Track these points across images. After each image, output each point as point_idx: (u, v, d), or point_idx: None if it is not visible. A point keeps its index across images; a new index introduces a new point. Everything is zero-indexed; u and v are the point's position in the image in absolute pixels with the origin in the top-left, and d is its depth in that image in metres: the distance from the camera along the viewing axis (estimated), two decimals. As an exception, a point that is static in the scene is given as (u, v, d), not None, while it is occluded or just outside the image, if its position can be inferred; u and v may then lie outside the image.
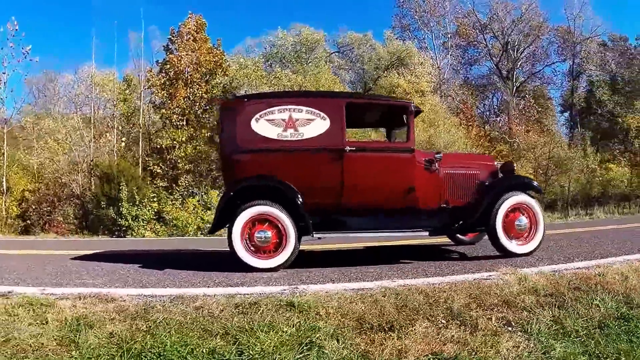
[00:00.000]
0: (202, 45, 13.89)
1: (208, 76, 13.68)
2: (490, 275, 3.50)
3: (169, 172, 12.43)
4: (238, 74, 13.56)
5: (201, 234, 11.68)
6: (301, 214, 4.09)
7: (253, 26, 54.46)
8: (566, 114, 31.89)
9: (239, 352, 2.09)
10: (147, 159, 12.63)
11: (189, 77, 13.17)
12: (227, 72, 14.30)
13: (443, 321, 2.49)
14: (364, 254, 5.65)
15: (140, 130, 13.19)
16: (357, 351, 2.13)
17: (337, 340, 2.21)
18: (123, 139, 13.27)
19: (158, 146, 12.52)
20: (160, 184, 12.20)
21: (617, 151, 22.97)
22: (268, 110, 4.29)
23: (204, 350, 2.07)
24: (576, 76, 30.29)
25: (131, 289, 3.36)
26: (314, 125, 4.31)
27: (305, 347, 2.12)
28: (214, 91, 13.61)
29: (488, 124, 26.53)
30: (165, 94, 13.08)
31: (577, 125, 28.85)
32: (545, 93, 31.31)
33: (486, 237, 4.76)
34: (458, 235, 5.46)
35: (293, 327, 2.34)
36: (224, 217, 4.23)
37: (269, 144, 4.26)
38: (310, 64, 15.19)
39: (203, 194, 12.55)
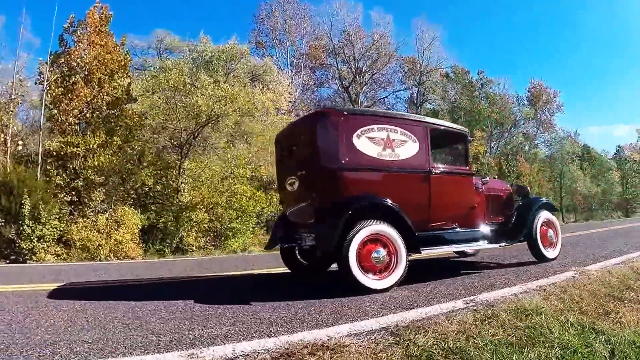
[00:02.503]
0: (107, 41, 12.06)
1: (109, 77, 11.83)
2: (577, 273, 4.46)
3: (70, 183, 10.25)
4: (160, 78, 12.14)
5: (116, 258, 10.05)
6: (412, 232, 4.21)
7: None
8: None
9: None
10: (48, 167, 10.19)
11: (89, 75, 11.22)
12: (128, 74, 12.66)
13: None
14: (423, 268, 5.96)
15: (41, 129, 10.54)
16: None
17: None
18: (20, 141, 10.39)
19: (55, 152, 10.22)
20: (65, 198, 9.97)
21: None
22: (368, 127, 4.33)
23: None
24: (420, 104, 34.48)
25: (315, 330, 2.88)
26: (407, 147, 4.53)
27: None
28: (117, 93, 11.85)
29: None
30: (60, 92, 10.80)
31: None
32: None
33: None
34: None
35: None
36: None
37: (371, 162, 4.29)
38: (231, 75, 14.47)
39: (112, 210, 10.80)
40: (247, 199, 13.53)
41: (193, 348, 2.44)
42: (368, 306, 3.46)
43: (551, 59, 59.90)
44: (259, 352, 2.37)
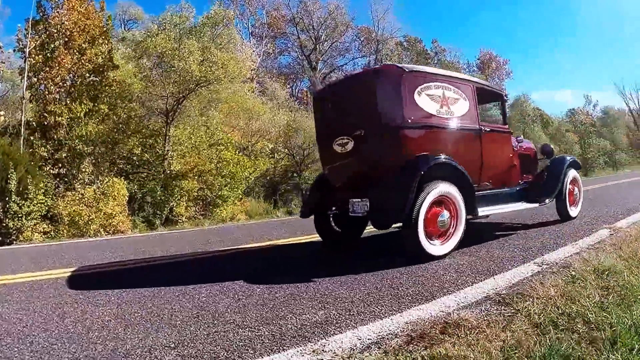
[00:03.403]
0: (87, 6, 11.02)
1: (90, 43, 10.77)
2: (611, 230, 4.52)
3: (54, 154, 9.35)
4: (148, 43, 11.07)
5: (107, 233, 9.41)
6: (473, 193, 4.00)
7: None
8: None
9: None
10: (31, 139, 9.18)
11: (70, 41, 10.15)
12: (110, 40, 11.56)
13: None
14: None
15: (23, 99, 9.38)
16: None
17: None
18: (1, 112, 9.23)
19: (37, 122, 9.24)
20: (51, 170, 9.09)
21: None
22: (426, 84, 4.02)
23: None
24: None
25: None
26: (459, 105, 4.28)
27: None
28: (98, 60, 10.80)
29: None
30: (40, 60, 9.69)
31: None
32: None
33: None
34: None
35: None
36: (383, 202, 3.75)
37: (431, 120, 4.00)
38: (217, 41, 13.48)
39: (99, 182, 10.02)
40: (235, 165, 13.07)
41: (308, 341, 2.13)
42: (446, 274, 3.28)
43: (500, 29, 60.38)
44: (385, 337, 2.10)
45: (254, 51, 24.71)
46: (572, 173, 5.54)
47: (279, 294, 3.07)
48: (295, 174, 18.67)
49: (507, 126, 5.05)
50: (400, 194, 3.63)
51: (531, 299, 2.45)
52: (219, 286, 3.43)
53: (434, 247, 3.78)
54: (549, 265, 3.28)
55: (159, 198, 11.32)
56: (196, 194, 12.42)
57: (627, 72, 74.84)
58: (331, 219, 4.93)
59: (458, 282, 3.04)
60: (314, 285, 3.25)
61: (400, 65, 3.95)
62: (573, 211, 5.55)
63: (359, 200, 4.08)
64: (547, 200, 5.12)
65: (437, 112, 4.05)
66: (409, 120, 3.85)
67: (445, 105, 4.12)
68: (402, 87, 3.84)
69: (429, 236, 3.76)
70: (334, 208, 4.58)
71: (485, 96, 4.87)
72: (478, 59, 39.29)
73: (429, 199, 3.69)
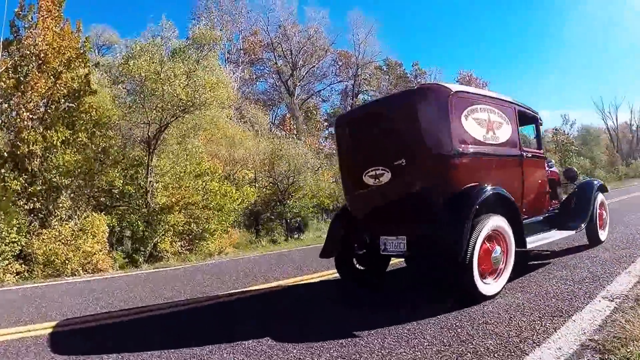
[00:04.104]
0: (62, 27, 10.35)
1: (66, 66, 10.08)
2: None
3: (27, 188, 8.48)
4: (131, 66, 10.49)
5: (86, 272, 8.53)
6: (521, 226, 3.65)
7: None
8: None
9: None
10: (2, 170, 8.29)
11: (44, 64, 9.47)
12: (87, 63, 10.91)
13: None
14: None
15: None
16: None
17: None
18: None
19: (7, 152, 8.40)
20: (25, 206, 8.21)
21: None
22: (473, 107, 3.67)
23: None
24: (354, 96, 35.41)
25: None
26: (503, 129, 3.99)
27: None
28: (74, 84, 10.12)
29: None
30: (12, 84, 8.95)
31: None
32: (320, 110, 36.46)
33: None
34: None
35: None
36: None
37: (479, 147, 3.65)
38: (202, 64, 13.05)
39: (77, 217, 9.17)
40: (222, 196, 12.42)
41: None
42: (514, 319, 2.90)
43: (481, 51, 63.03)
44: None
45: (230, 77, 24.55)
46: (600, 197, 5.33)
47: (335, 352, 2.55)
48: (279, 203, 18.12)
49: (542, 151, 4.82)
50: (453, 230, 3.20)
51: (632, 342, 2.22)
52: (242, 347, 2.83)
53: (488, 286, 3.38)
54: (620, 300, 3.06)
55: (141, 233, 10.50)
56: (182, 228, 11.65)
57: (607, 91, 78.44)
58: (354, 258, 4.46)
59: (536, 328, 2.67)
60: (365, 343, 2.72)
61: (446, 84, 3.60)
62: (602, 235, 5.33)
63: (394, 237, 3.63)
64: (582, 226, 4.84)
65: (483, 138, 3.71)
66: (459, 148, 3.46)
67: (491, 129, 3.79)
68: (449, 109, 3.46)
69: (482, 275, 3.33)
70: (356, 245, 4.08)
71: (523, 119, 4.53)
72: (457, 81, 39.84)
73: (483, 235, 3.29)
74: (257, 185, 17.01)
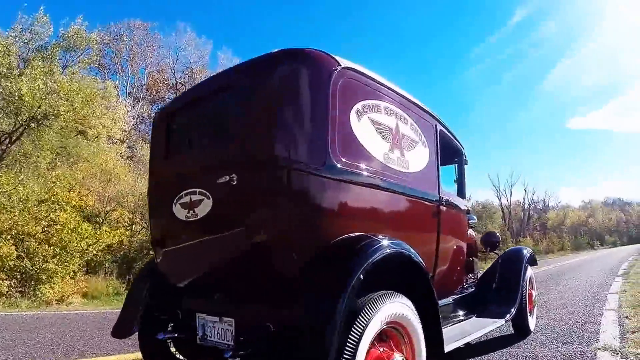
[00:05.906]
0: None
1: None
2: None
3: None
4: None
5: None
6: (437, 313, 2.10)
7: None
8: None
9: None
10: None
11: None
12: None
13: None
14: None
15: None
16: None
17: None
18: None
19: None
20: None
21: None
22: (373, 103, 2.17)
23: None
24: None
25: None
26: (417, 152, 2.52)
27: None
28: None
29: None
30: None
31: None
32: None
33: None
34: None
35: None
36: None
37: (377, 169, 2.13)
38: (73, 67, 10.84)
39: None
40: (70, 232, 9.82)
41: None
42: None
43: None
44: None
45: (128, 111, 23.03)
46: (529, 272, 4.00)
47: None
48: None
49: (465, 200, 3.43)
50: (313, 320, 1.61)
51: None
52: None
53: None
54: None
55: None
56: (12, 263, 9.17)
57: (504, 170, 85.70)
58: (170, 344, 2.62)
59: None
60: None
61: (331, 55, 2.10)
62: (531, 322, 3.95)
63: (216, 319, 2.00)
64: (513, 311, 3.44)
65: (384, 158, 2.18)
66: (336, 162, 1.91)
67: (397, 147, 2.28)
68: (330, 92, 1.91)
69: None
70: (171, 325, 2.31)
71: (444, 149, 3.00)
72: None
73: (371, 332, 1.70)
74: (132, 229, 14.31)
